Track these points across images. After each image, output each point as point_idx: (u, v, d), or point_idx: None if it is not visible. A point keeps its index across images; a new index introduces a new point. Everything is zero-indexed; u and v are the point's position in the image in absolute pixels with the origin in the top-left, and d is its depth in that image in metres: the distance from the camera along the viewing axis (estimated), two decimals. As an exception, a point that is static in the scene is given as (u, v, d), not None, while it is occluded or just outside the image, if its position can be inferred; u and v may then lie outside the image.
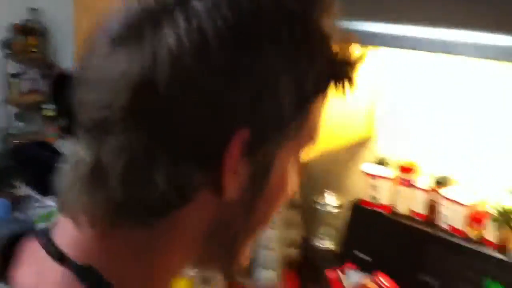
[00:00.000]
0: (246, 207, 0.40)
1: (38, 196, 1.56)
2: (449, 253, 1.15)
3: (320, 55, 0.38)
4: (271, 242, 1.25)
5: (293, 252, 1.31)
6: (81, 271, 0.38)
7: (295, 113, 0.38)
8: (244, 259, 0.43)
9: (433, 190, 1.22)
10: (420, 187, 1.23)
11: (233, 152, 0.36)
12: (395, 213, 1.26)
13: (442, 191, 1.20)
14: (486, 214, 1.13)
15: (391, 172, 1.27)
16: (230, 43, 0.35)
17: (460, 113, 1.20)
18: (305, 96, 0.38)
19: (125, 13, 0.37)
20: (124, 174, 0.36)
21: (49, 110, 2.45)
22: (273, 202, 0.42)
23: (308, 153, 0.43)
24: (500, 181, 1.13)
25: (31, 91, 2.91)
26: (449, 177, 1.21)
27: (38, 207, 1.55)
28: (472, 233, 1.14)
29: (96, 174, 0.37)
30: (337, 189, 1.34)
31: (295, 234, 1.32)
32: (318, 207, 1.32)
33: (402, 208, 1.26)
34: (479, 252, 1.11)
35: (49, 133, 2.24)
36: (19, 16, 2.91)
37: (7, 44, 2.83)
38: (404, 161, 1.27)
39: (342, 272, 1.10)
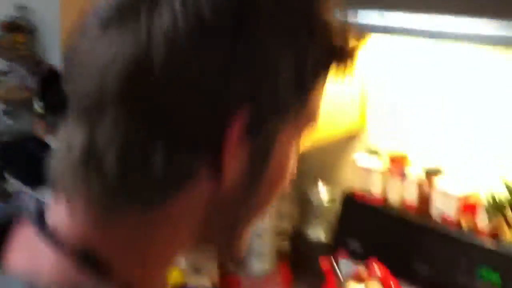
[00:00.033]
0: (245, 192, 0.40)
1: (28, 190, 1.54)
2: (442, 243, 1.15)
3: (319, 35, 0.38)
4: (263, 233, 1.24)
5: (285, 243, 1.30)
6: (78, 256, 0.37)
7: (295, 95, 0.38)
8: (242, 245, 0.42)
9: (425, 181, 1.22)
10: (412, 178, 1.23)
11: (233, 135, 0.36)
12: (387, 204, 1.26)
13: (434, 181, 1.20)
14: (478, 203, 1.13)
15: (383, 163, 1.27)
16: (227, 24, 0.34)
17: (451, 103, 1.20)
18: (305, 77, 0.38)
19: None
20: (119, 159, 0.35)
21: (38, 107, 2.42)
22: (273, 187, 0.41)
23: (308, 138, 0.42)
24: (492, 170, 1.13)
25: (19, 88, 2.87)
26: (441, 167, 1.21)
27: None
28: (465, 223, 1.14)
29: (90, 159, 0.36)
30: (329, 180, 1.34)
31: (287, 225, 1.31)
32: (310, 198, 1.31)
33: (394, 199, 1.26)
34: (472, 242, 1.11)
35: (38, 130, 2.21)
36: (6, 13, 2.88)
37: (-5, 42, 2.80)
38: (396, 152, 1.27)
39: (335, 261, 1.09)
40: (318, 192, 1.31)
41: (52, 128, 1.94)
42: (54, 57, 2.74)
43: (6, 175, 1.62)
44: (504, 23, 0.83)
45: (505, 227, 1.09)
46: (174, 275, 1.09)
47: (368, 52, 1.24)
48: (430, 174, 1.22)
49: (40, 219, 0.39)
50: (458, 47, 1.15)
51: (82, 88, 0.36)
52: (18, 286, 0.37)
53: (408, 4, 0.94)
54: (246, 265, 1.20)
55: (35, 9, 2.87)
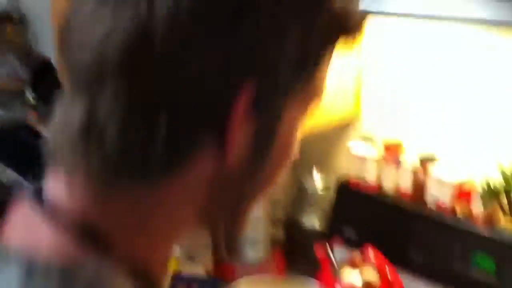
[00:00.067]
0: (249, 168, 0.38)
1: (22, 180, 1.53)
2: (436, 230, 1.14)
3: (327, 7, 0.37)
4: (257, 221, 1.23)
5: (279, 231, 1.29)
6: (77, 231, 0.36)
7: (301, 69, 0.37)
8: (245, 223, 0.41)
9: (420, 168, 1.21)
10: (407, 165, 1.22)
11: (238, 109, 0.35)
12: (382, 192, 1.25)
13: (429, 169, 1.20)
14: (473, 190, 1.13)
15: (377, 151, 1.27)
16: None
17: (446, 90, 1.19)
18: (311, 51, 0.37)
19: None
20: (120, 132, 0.34)
21: (30, 97, 2.40)
22: (277, 164, 0.40)
23: (312, 116, 0.41)
24: (487, 157, 1.13)
25: (11, 79, 2.85)
26: (436, 154, 1.21)
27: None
28: (460, 210, 1.14)
29: (90, 133, 0.35)
30: (323, 168, 1.33)
31: (281, 213, 1.31)
32: (304, 186, 1.30)
33: (389, 186, 1.25)
34: (467, 229, 1.11)
35: (30, 120, 2.20)
36: (-3, 3, 2.84)
37: (-15, 32, 2.77)
38: (390, 140, 1.26)
39: (330, 248, 1.09)
40: (312, 180, 1.30)
41: (44, 119, 1.93)
42: (46, 48, 2.71)
43: (-2, 164, 1.60)
44: (500, 4, 0.82)
45: (500, 214, 1.09)
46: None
47: (363, 39, 1.23)
48: (425, 161, 1.21)
49: (37, 195, 0.38)
50: (452, 33, 1.15)
51: (80, 60, 0.35)
52: (16, 263, 0.36)
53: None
54: (240, 253, 1.19)
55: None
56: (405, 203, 1.20)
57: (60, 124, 0.37)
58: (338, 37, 0.39)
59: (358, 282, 1.02)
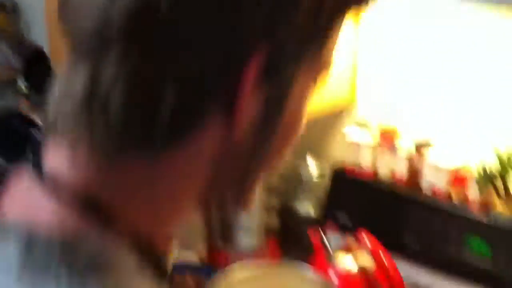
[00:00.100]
0: (258, 140, 0.37)
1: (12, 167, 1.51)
2: (432, 216, 1.14)
3: None
4: (251, 210, 1.22)
5: (274, 218, 1.28)
6: (80, 204, 0.34)
7: (312, 38, 0.36)
8: (251, 199, 0.40)
9: (415, 154, 1.20)
10: (402, 151, 1.22)
11: (249, 76, 0.33)
12: (377, 178, 1.24)
13: (424, 154, 1.19)
14: (469, 176, 1.12)
15: (373, 137, 1.26)
16: None
17: (441, 75, 1.18)
18: (323, 20, 0.36)
19: None
20: (125, 100, 0.33)
21: (22, 86, 2.37)
22: (286, 136, 0.39)
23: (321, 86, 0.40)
24: (483, 141, 1.12)
25: (3, 67, 2.82)
26: (431, 140, 1.20)
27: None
28: (455, 195, 1.13)
29: (93, 101, 0.33)
30: (318, 154, 1.32)
31: (276, 200, 1.30)
32: (299, 173, 1.29)
33: (384, 173, 1.24)
34: (463, 214, 1.10)
35: (22, 109, 2.17)
36: (-11, -8, 2.81)
37: (-23, 21, 2.73)
38: (386, 125, 1.25)
39: (324, 233, 1.08)
40: (307, 167, 1.29)
41: (36, 107, 1.91)
42: (38, 37, 2.68)
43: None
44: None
45: (496, 199, 1.09)
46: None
47: (358, 24, 1.22)
48: (420, 147, 1.20)
49: (36, 170, 0.37)
50: (449, 15, 1.13)
51: (83, 26, 0.34)
52: (15, 236, 0.35)
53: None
54: (234, 240, 1.18)
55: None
56: (401, 189, 1.20)
57: (62, 94, 0.35)
58: (348, 8, 0.38)
59: (354, 268, 1.01)
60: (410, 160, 1.21)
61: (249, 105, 0.34)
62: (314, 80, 0.38)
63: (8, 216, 0.35)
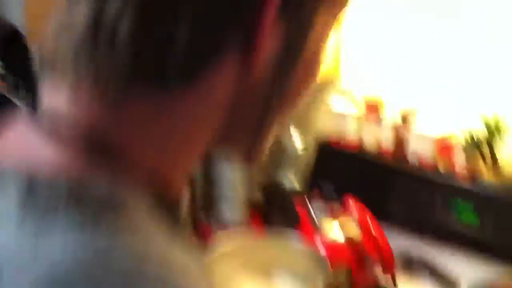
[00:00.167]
0: (276, 79, 0.34)
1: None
2: (418, 185, 1.12)
3: None
4: (236, 182, 1.19)
5: (258, 191, 1.25)
6: (86, 145, 0.30)
7: None
8: (265, 147, 0.37)
9: (401, 124, 1.19)
10: (387, 122, 1.20)
11: (268, 11, 0.30)
12: (363, 149, 1.22)
13: (410, 124, 1.18)
14: (455, 144, 1.11)
15: (358, 108, 1.24)
16: None
17: (425, 43, 1.16)
18: None
19: None
20: (135, 30, 0.28)
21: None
22: (306, 76, 0.36)
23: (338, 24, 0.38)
24: (469, 109, 1.11)
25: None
26: (417, 110, 1.18)
27: None
28: (442, 164, 1.12)
29: (99, 32, 0.29)
30: (303, 127, 1.29)
31: (260, 174, 1.26)
32: (283, 146, 1.26)
33: (370, 144, 1.22)
34: (449, 182, 1.09)
35: (-4, 92, 2.10)
36: (-40, -26, 2.72)
37: None
38: (370, 96, 1.24)
39: (310, 203, 1.05)
40: (291, 140, 1.26)
41: (13, 89, 1.85)
42: (14, 16, 2.60)
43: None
44: None
45: (482, 166, 1.07)
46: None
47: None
48: (406, 117, 1.19)
49: (33, 111, 0.33)
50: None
51: None
52: (14, 181, 0.30)
53: None
54: (218, 215, 1.15)
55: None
56: (387, 159, 1.18)
57: (61, 27, 0.31)
58: None
59: (340, 237, 0.99)
60: (396, 130, 1.19)
61: (268, 42, 0.31)
62: (333, 17, 0.36)
63: (4, 161, 0.31)
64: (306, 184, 1.24)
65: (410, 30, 1.17)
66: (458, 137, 1.09)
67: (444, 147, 1.12)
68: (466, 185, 1.05)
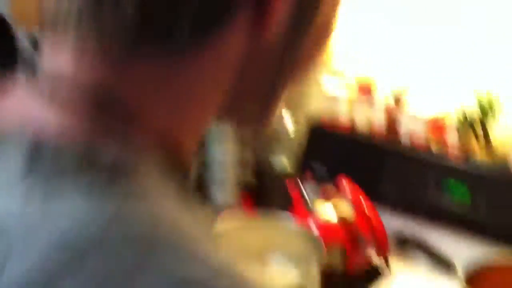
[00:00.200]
0: (288, 44, 0.33)
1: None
2: (411, 165, 1.11)
3: None
4: (227, 164, 1.17)
5: (249, 173, 1.24)
6: (92, 108, 0.28)
7: None
8: (274, 114, 0.36)
9: (393, 104, 1.18)
10: (380, 102, 1.19)
11: None
12: (355, 131, 1.21)
13: (402, 104, 1.17)
14: (448, 123, 1.10)
15: (349, 89, 1.22)
16: None
17: (416, 21, 1.15)
18: None
19: None
20: None
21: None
22: (318, 41, 0.35)
23: None
24: (462, 87, 1.10)
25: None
26: (409, 90, 1.17)
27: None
28: (434, 143, 1.11)
29: None
30: (294, 108, 1.28)
31: (251, 155, 1.25)
32: (274, 127, 1.25)
33: (362, 125, 1.21)
34: (442, 161, 1.08)
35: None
36: None
37: None
38: (362, 77, 1.22)
39: (302, 184, 1.04)
40: (283, 120, 1.24)
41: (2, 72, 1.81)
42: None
43: None
44: None
45: (475, 145, 1.07)
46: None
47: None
48: (398, 97, 1.18)
49: (32, 74, 0.31)
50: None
51: None
52: (16, 145, 0.28)
53: None
54: (208, 196, 1.13)
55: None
56: (379, 140, 1.17)
57: None
58: None
59: (333, 217, 0.98)
60: (388, 111, 1.18)
61: (281, 4, 0.30)
62: None
63: (3, 126, 0.29)
64: (298, 166, 1.23)
65: (401, 10, 1.15)
66: (451, 117, 1.09)
67: (436, 126, 1.11)
68: (459, 164, 1.04)
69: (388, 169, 1.13)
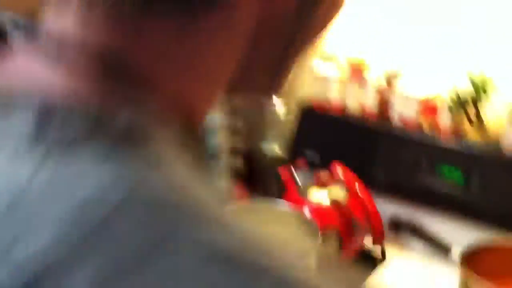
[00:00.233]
0: (300, 12, 0.32)
1: None
2: (403, 147, 1.11)
3: None
4: (217, 151, 1.15)
5: (239, 160, 1.22)
6: (102, 69, 0.26)
7: None
8: (284, 83, 0.36)
9: (385, 85, 1.16)
10: (371, 83, 1.17)
11: None
12: (346, 113, 1.20)
13: (394, 85, 1.15)
14: (440, 104, 1.09)
15: (340, 70, 1.20)
16: None
17: (408, 2, 1.13)
18: None
19: None
20: None
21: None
22: (329, 11, 0.35)
23: None
24: (454, 67, 1.08)
25: None
26: (401, 70, 1.16)
27: None
28: (427, 125, 1.10)
29: None
30: (285, 91, 1.26)
31: (241, 142, 1.23)
32: (264, 112, 1.23)
33: (353, 106, 1.20)
34: (434, 143, 1.07)
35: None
36: None
37: None
38: (354, 58, 1.20)
39: (295, 170, 1.03)
40: (273, 105, 1.23)
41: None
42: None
43: None
44: None
45: (468, 126, 1.06)
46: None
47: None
48: (390, 78, 1.16)
49: (31, 31, 0.29)
50: None
51: None
52: (24, 107, 0.26)
53: None
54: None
55: None
56: (371, 122, 1.16)
57: None
58: None
59: (327, 203, 0.97)
60: (380, 92, 1.17)
61: None
62: None
63: (8, 89, 0.27)
64: (289, 150, 1.21)
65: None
66: (444, 98, 1.07)
67: (428, 108, 1.10)
68: (451, 145, 1.04)
69: (380, 151, 1.13)
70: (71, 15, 0.27)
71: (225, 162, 1.18)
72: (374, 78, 1.17)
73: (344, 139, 1.18)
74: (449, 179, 1.04)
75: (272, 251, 0.25)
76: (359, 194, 0.97)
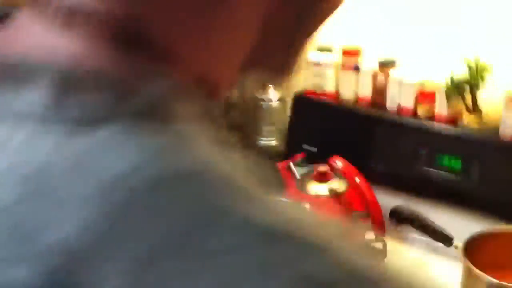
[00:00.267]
0: None
1: None
2: (399, 134, 1.10)
3: None
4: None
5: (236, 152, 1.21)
6: (121, 40, 0.25)
7: None
8: (297, 61, 0.36)
9: (380, 72, 1.15)
10: (366, 70, 1.16)
11: None
12: (341, 100, 1.18)
13: (389, 72, 1.14)
14: (435, 90, 1.08)
15: (335, 57, 1.19)
16: None
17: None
18: None
19: None
20: None
21: None
22: None
23: None
24: (450, 53, 1.07)
25: None
26: (396, 57, 1.14)
27: None
28: (422, 111, 1.09)
29: None
30: (280, 82, 1.24)
31: (236, 134, 1.22)
32: (259, 102, 1.21)
33: (348, 94, 1.18)
34: (431, 130, 1.07)
35: None
36: None
37: None
38: (348, 45, 1.18)
39: (292, 163, 1.02)
40: (267, 96, 1.21)
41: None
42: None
43: None
44: None
45: (464, 111, 1.05)
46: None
47: None
48: (385, 64, 1.15)
49: (43, 7, 0.26)
50: None
51: None
52: (41, 75, 0.24)
53: None
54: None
55: None
56: (366, 109, 1.14)
57: None
58: None
59: (325, 193, 0.97)
60: (375, 79, 1.15)
61: None
62: None
63: (14, 56, 0.25)
64: (286, 143, 1.20)
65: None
66: (438, 83, 1.06)
67: (424, 94, 1.09)
68: (447, 131, 1.03)
69: (377, 140, 1.12)
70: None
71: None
72: (369, 65, 1.16)
73: (340, 128, 1.17)
74: (447, 167, 1.04)
75: (316, 229, 0.24)
76: (359, 186, 0.96)
